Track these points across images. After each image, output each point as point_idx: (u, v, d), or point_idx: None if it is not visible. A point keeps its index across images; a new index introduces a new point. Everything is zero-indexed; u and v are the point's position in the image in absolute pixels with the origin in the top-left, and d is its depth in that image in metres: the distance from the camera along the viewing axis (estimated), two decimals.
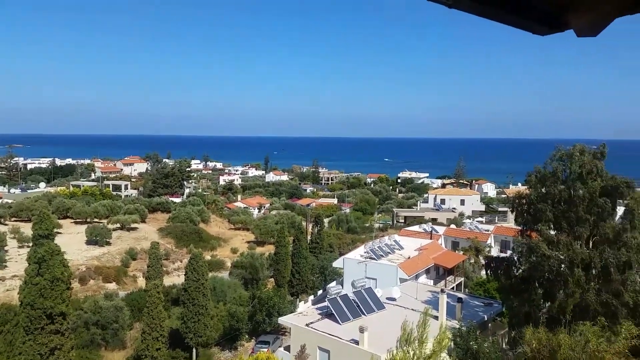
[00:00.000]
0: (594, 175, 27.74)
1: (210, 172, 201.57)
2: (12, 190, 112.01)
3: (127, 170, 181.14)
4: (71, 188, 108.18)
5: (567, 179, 28.63)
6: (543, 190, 28.83)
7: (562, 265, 26.51)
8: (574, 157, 28.25)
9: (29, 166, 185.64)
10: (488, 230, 59.65)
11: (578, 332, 22.84)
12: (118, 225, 73.61)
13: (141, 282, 54.40)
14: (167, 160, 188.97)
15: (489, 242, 56.09)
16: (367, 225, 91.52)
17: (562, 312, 26.55)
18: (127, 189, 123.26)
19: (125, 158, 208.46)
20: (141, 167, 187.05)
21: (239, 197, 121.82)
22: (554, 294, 27.02)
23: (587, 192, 27.09)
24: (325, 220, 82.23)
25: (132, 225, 74.76)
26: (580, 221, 27.17)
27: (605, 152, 28.76)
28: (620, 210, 29.61)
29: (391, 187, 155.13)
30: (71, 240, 63.99)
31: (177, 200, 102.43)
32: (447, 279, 44.65)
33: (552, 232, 28.45)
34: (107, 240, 66.20)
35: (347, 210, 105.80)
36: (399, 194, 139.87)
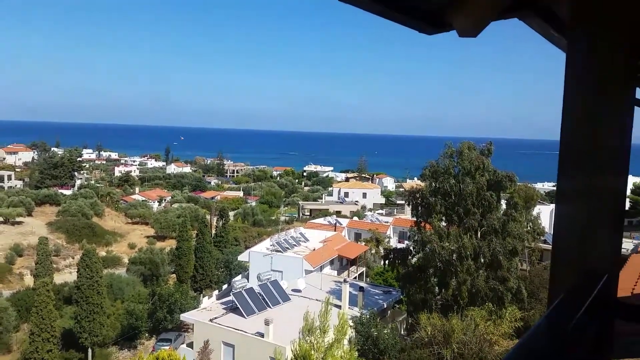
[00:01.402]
0: (482, 170, 30.23)
1: (105, 162, 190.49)
2: None
3: (10, 160, 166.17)
4: None
5: (458, 174, 30.92)
6: (436, 184, 30.91)
7: (453, 255, 28.66)
8: (463, 153, 30.55)
9: None
10: (388, 222, 62.52)
11: (469, 317, 24.92)
12: (1, 219, 67.71)
13: (29, 280, 50.57)
14: (55, 149, 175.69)
15: (388, 233, 58.83)
16: (273, 218, 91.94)
17: (455, 298, 28.72)
18: (10, 179, 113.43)
19: (9, 146, 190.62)
20: (27, 156, 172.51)
21: (137, 189, 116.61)
22: (447, 282, 29.16)
23: (475, 187, 29.46)
24: (231, 214, 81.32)
25: (17, 219, 69.14)
26: (469, 214, 29.51)
27: (492, 149, 31.47)
28: (503, 202, 32.56)
29: (297, 181, 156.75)
30: None
31: (68, 192, 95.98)
32: (350, 269, 46.29)
33: (444, 224, 30.65)
34: None
35: (253, 203, 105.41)
36: (305, 187, 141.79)
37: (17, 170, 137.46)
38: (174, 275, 53.78)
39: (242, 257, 48.54)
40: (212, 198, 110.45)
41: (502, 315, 25.56)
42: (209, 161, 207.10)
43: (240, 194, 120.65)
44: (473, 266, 28.49)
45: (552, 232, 53.47)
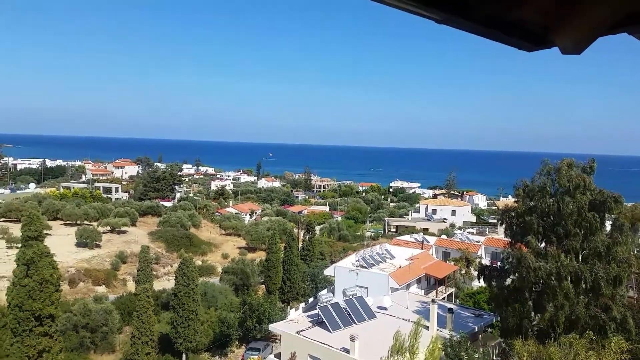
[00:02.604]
0: (582, 189, 28.07)
1: (202, 176, 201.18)
2: (2, 191, 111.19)
3: (117, 173, 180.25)
4: (61, 189, 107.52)
5: (556, 192, 28.96)
6: (531, 203, 29.14)
7: (552, 278, 26.79)
8: (562, 171, 28.57)
9: (19, 166, 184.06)
10: (479, 242, 60.00)
11: (567, 345, 23.08)
12: (108, 228, 73.24)
13: (131, 286, 54.10)
14: (158, 164, 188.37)
15: (479, 253, 56.43)
16: (359, 233, 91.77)
17: (552, 324, 26.80)
18: (117, 191, 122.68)
19: (116, 160, 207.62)
20: (132, 170, 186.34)
21: (231, 202, 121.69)
22: (543, 306, 27.29)
23: (576, 206, 27.40)
24: (317, 228, 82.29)
25: (123, 229, 74.43)
26: (569, 235, 27.50)
27: (594, 167, 29.15)
28: (608, 224, 30.03)
29: (383, 197, 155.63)
30: (61, 242, 63.52)
31: (168, 204, 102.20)
32: (438, 289, 44.84)
33: (541, 245, 28.78)
34: (97, 242, 65.84)
35: (339, 218, 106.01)
36: (391, 204, 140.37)
37: (123, 183, 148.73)
38: (263, 286, 55.16)
39: (327, 272, 48.79)
40: (300, 212, 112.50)
41: (606, 345, 23.44)
42: (296, 176, 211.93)
43: (327, 208, 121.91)
44: (572, 290, 26.47)
45: None
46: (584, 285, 27.12)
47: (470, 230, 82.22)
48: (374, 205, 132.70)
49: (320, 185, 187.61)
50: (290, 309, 46.10)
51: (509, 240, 30.89)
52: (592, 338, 24.18)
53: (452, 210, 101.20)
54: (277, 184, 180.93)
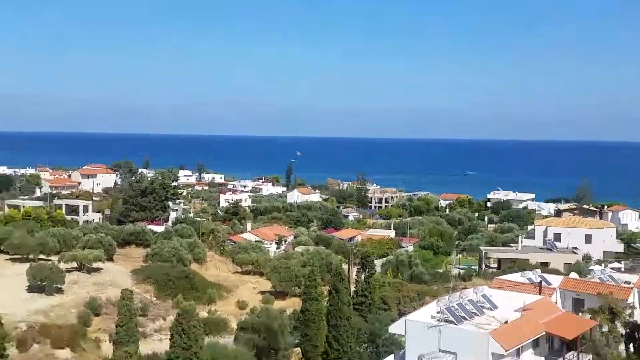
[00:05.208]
0: None
1: (207, 188, 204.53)
2: None
3: (87, 184, 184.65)
4: (6, 209, 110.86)
5: None
6: None
7: None
8: None
9: None
10: (630, 283, 58.35)
11: None
12: (74, 264, 74.75)
13: (107, 349, 55.06)
14: (144, 171, 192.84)
15: (630, 300, 54.86)
16: (441, 271, 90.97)
17: None
18: (87, 211, 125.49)
19: (85, 167, 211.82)
20: (108, 179, 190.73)
21: (249, 225, 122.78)
22: None
23: None
24: (377, 263, 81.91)
25: (95, 265, 75.83)
26: None
27: None
28: None
29: (477, 215, 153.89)
30: (6, 286, 65.40)
31: (159, 228, 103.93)
32: (566, 355, 43.84)
33: None
34: (59, 286, 67.17)
35: (410, 248, 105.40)
36: (489, 225, 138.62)
37: (95, 198, 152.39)
38: (299, 349, 55.14)
39: (394, 329, 48.35)
40: (351, 239, 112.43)
41: None
42: (345, 185, 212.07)
43: (391, 233, 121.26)
44: None
45: None
46: None
47: (616, 265, 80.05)
48: (464, 227, 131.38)
49: (380, 199, 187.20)
50: None
51: None
52: None
53: (587, 235, 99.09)
54: (316, 197, 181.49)
